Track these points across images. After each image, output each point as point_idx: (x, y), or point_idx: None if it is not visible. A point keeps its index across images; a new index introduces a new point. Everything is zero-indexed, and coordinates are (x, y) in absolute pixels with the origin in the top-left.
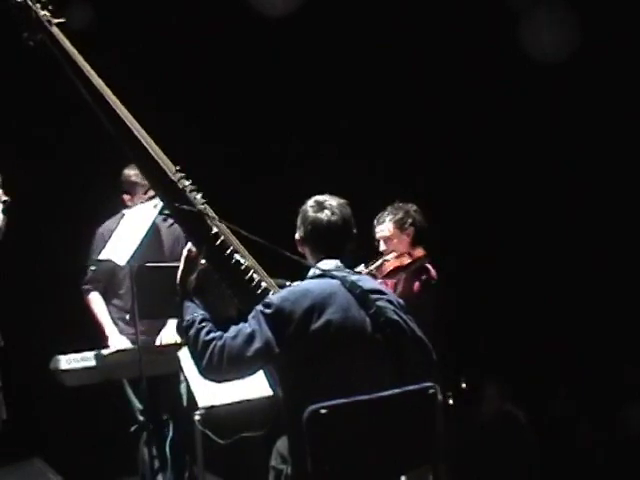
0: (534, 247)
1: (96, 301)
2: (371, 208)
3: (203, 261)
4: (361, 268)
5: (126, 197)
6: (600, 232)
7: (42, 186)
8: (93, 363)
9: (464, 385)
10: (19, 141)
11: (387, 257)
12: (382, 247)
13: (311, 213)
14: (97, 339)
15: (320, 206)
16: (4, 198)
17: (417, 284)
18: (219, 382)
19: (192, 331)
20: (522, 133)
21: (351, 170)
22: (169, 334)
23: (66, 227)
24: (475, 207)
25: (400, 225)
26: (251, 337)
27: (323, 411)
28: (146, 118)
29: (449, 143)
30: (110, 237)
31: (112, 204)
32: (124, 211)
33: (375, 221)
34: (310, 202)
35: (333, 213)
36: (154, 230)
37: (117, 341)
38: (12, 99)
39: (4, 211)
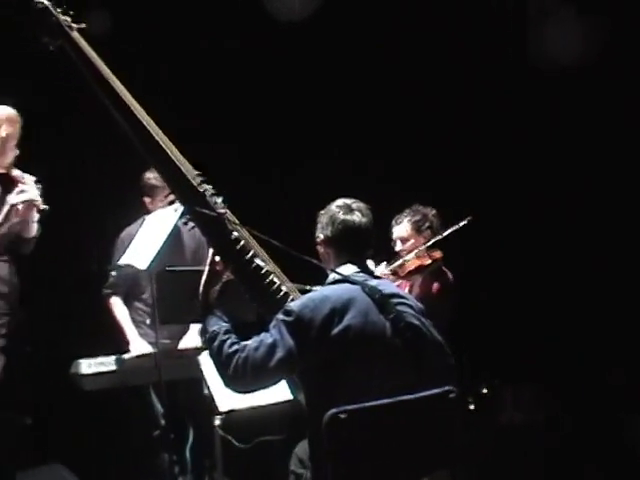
0: (553, 247)
1: (117, 305)
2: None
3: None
4: (382, 267)
5: (147, 200)
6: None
7: (62, 190)
8: (113, 367)
9: (484, 390)
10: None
11: (408, 257)
12: (398, 247)
13: (341, 215)
14: (119, 344)
15: (349, 208)
16: (42, 206)
17: (436, 285)
18: (244, 393)
19: (215, 343)
20: (529, 135)
21: (367, 174)
22: (190, 338)
23: (90, 232)
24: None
25: (417, 227)
26: (273, 347)
27: (342, 415)
28: (165, 119)
29: (454, 146)
30: (130, 242)
31: (135, 209)
32: (145, 216)
33: (393, 222)
34: (337, 204)
35: (363, 215)
36: (176, 234)
37: (138, 346)
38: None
39: (40, 221)
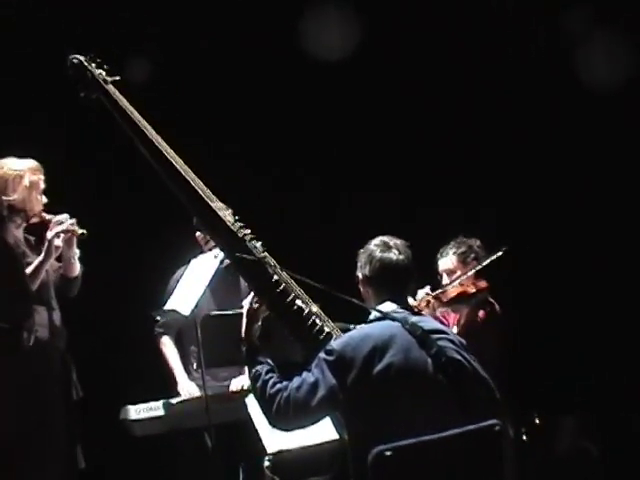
0: (606, 276)
1: (167, 346)
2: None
3: (264, 309)
4: (423, 292)
5: (199, 236)
6: None
7: (110, 231)
8: (162, 412)
9: (538, 421)
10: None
11: (451, 285)
12: (445, 280)
13: (378, 253)
14: (168, 386)
15: (386, 246)
16: (80, 231)
17: (482, 312)
18: (288, 431)
19: (259, 384)
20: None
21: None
22: (237, 381)
23: (140, 273)
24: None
25: (463, 259)
26: (315, 386)
27: (388, 453)
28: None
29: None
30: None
31: (185, 250)
32: (192, 260)
33: (438, 255)
34: (375, 242)
35: (400, 252)
36: (231, 275)
37: (186, 387)
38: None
39: (81, 259)
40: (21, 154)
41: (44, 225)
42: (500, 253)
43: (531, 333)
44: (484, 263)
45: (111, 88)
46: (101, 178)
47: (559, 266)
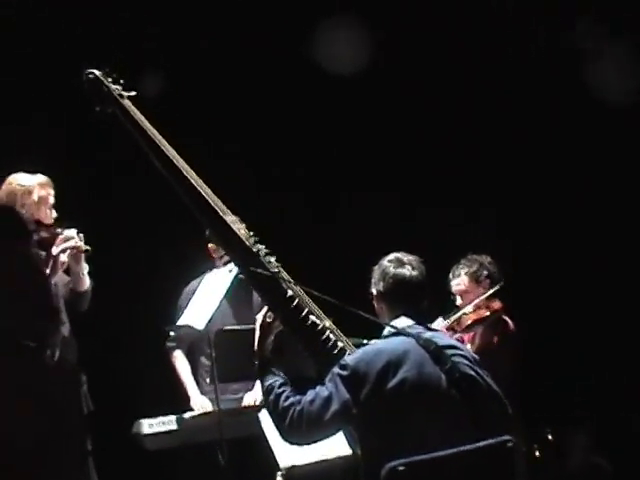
0: (615, 292)
1: (179, 360)
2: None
3: (278, 323)
4: (439, 321)
5: (212, 247)
6: None
7: (110, 231)
8: (174, 427)
9: (550, 437)
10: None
11: (465, 310)
12: (459, 301)
13: (391, 269)
14: (179, 400)
15: (400, 262)
16: (85, 247)
17: (496, 337)
18: (301, 445)
19: (272, 397)
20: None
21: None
22: (250, 396)
23: (150, 287)
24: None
25: (475, 278)
26: (328, 400)
27: (401, 468)
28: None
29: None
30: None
31: (194, 263)
32: (205, 274)
33: (450, 275)
34: (388, 258)
35: (414, 268)
36: (245, 288)
37: (199, 401)
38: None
39: (90, 272)
40: (21, 154)
41: (54, 240)
42: (498, 287)
43: (534, 342)
44: (483, 297)
45: (127, 103)
46: (101, 178)
47: (558, 266)
